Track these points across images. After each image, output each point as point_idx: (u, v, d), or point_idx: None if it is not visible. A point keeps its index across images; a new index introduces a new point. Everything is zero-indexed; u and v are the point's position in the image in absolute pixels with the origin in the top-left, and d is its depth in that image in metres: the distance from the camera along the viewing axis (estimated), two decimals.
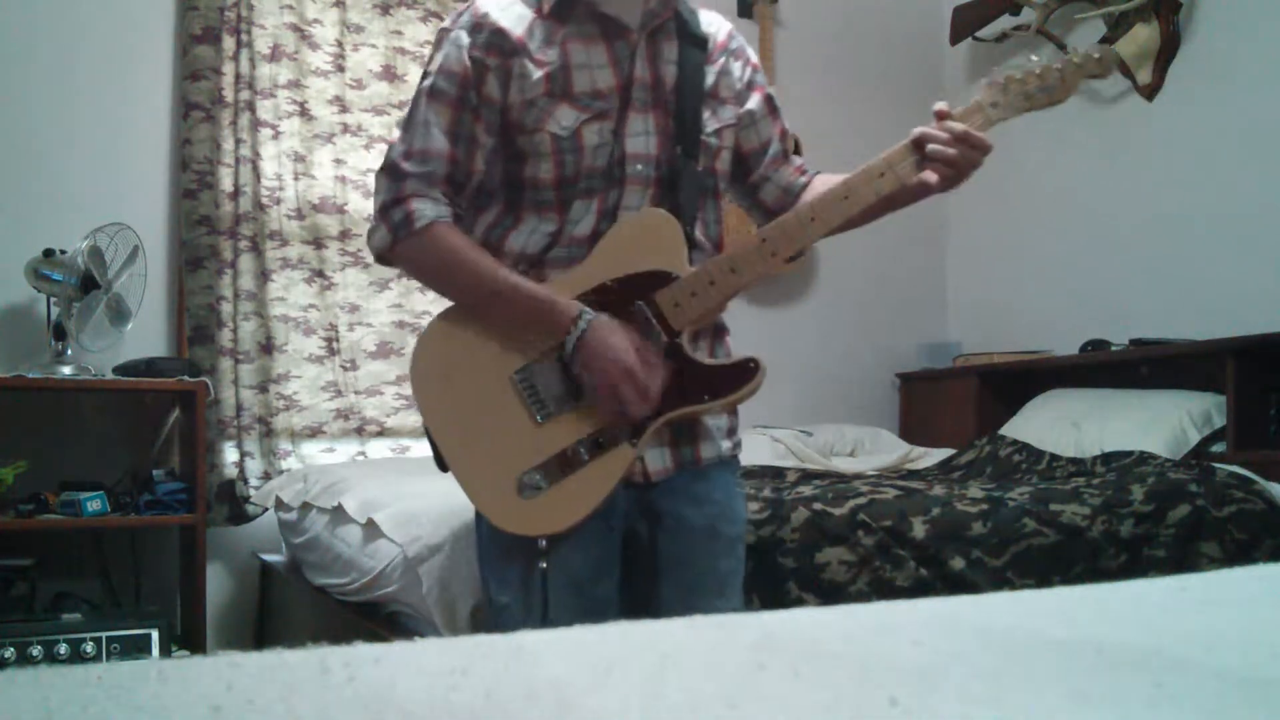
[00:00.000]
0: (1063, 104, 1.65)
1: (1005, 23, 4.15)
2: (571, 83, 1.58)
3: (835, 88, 4.36)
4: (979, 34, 4.22)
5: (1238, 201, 3.49)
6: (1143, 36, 3.74)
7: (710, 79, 1.67)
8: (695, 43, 1.66)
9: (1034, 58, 1.65)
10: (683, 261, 1.59)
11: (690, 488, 1.65)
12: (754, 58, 1.78)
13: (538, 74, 1.57)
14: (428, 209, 1.57)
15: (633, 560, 1.66)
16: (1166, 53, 3.69)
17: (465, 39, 1.59)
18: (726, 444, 1.71)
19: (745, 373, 1.58)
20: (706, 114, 1.66)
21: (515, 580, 1.59)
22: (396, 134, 1.63)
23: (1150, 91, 3.75)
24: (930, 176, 1.61)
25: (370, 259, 3.65)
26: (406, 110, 1.64)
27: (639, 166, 1.59)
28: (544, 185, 1.60)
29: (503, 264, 1.59)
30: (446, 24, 1.65)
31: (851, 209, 1.59)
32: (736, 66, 1.73)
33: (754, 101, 1.75)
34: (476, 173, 1.62)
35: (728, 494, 1.70)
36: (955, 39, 4.27)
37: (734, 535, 1.71)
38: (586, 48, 1.59)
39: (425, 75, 1.63)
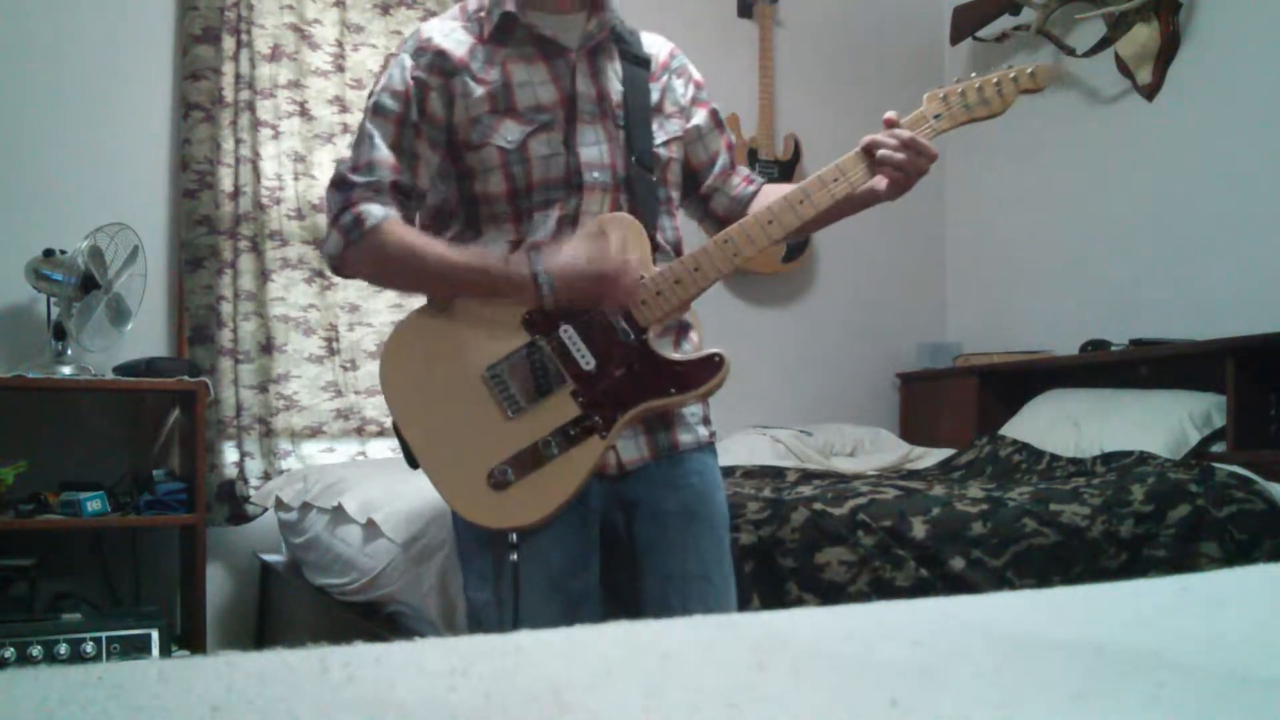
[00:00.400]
0: (1001, 116, 1.73)
1: (1005, 23, 4.15)
2: (514, 98, 1.65)
3: (835, 88, 4.36)
4: (979, 34, 4.22)
5: (1237, 201, 3.49)
6: (1143, 36, 3.74)
7: (655, 95, 1.75)
8: (638, 62, 1.74)
9: (974, 74, 1.74)
10: (647, 262, 1.64)
11: (665, 474, 1.69)
12: (696, 75, 1.85)
13: (480, 91, 1.64)
14: (376, 209, 1.63)
15: (611, 553, 1.68)
16: (1166, 53, 3.69)
17: (409, 61, 1.68)
18: (703, 430, 1.76)
19: (711, 367, 1.63)
20: (654, 127, 1.73)
21: (489, 575, 1.62)
22: (347, 153, 1.70)
23: (1150, 91, 3.75)
24: (880, 182, 1.68)
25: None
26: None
27: (595, 174, 1.65)
28: (496, 199, 1.66)
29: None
30: (394, 49, 1.71)
31: (807, 212, 1.66)
32: (679, 84, 1.81)
33: (700, 117, 1.83)
34: (421, 187, 1.68)
35: (703, 478, 1.72)
36: (955, 39, 4.27)
37: (712, 516, 1.72)
38: (527, 67, 1.67)
39: (370, 95, 1.71)
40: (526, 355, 1.61)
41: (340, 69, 3.59)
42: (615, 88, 1.71)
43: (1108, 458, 3.10)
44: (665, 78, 1.79)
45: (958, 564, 2.33)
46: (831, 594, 2.24)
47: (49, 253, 3.07)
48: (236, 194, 3.40)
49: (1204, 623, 0.84)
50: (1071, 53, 3.95)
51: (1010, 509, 2.45)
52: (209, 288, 3.36)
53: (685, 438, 1.72)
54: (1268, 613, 0.89)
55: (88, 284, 3.04)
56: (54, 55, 3.30)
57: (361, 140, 1.68)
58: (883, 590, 2.26)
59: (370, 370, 3.55)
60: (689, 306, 1.69)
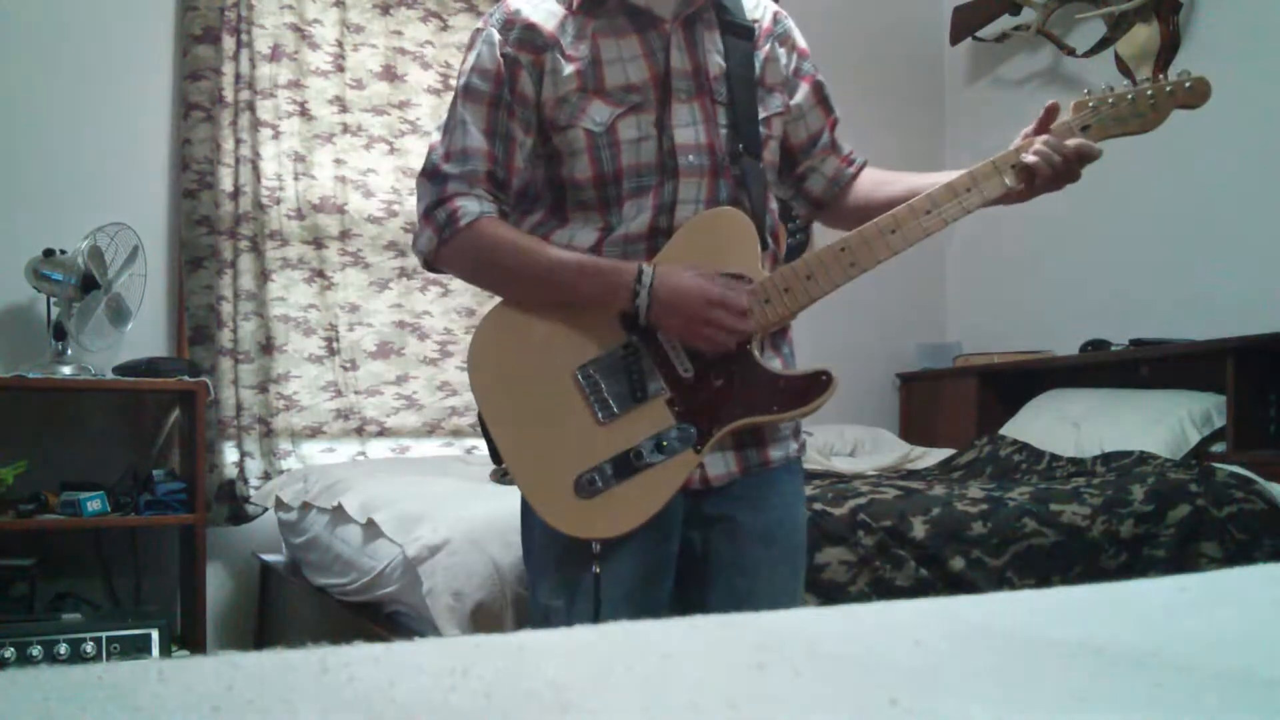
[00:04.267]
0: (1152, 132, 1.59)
1: (1005, 23, 4.15)
2: (603, 78, 1.54)
3: (835, 88, 4.32)
4: (979, 34, 4.22)
5: (1238, 202, 3.49)
6: (1143, 36, 3.74)
7: (757, 67, 1.63)
8: (739, 32, 1.62)
9: (1125, 81, 1.62)
10: (757, 265, 1.55)
11: (750, 493, 1.59)
12: (801, 42, 1.73)
13: (569, 69, 1.54)
14: (472, 205, 1.54)
15: (686, 569, 1.60)
16: (1166, 53, 3.69)
17: (497, 36, 1.57)
18: (794, 445, 1.66)
19: (817, 385, 1.54)
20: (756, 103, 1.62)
21: (567, 583, 1.54)
22: (435, 137, 1.60)
23: None
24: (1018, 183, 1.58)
25: (370, 259, 3.68)
26: (445, 113, 1.61)
27: (690, 157, 1.54)
28: (583, 184, 1.55)
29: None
30: (479, 24, 1.63)
31: (934, 225, 1.56)
32: (783, 53, 1.69)
33: (802, 93, 1.71)
34: (516, 170, 1.58)
35: (788, 500, 1.64)
36: (955, 39, 4.27)
37: (793, 544, 1.64)
38: (618, 41, 1.56)
39: (459, 75, 1.60)
40: (622, 357, 1.52)
41: (340, 69, 3.59)
42: (715, 61, 1.59)
43: (1108, 458, 3.10)
44: (768, 45, 1.67)
45: (958, 564, 2.33)
46: (831, 594, 2.24)
47: (49, 253, 3.07)
48: (236, 194, 3.40)
49: (1204, 623, 0.84)
50: (1072, 53, 3.95)
51: (1010, 509, 2.45)
52: (209, 288, 3.36)
53: (776, 454, 1.61)
54: (1268, 613, 0.89)
55: (88, 284, 3.05)
56: (54, 55, 3.30)
57: (453, 125, 1.57)
58: (883, 590, 2.26)
59: (370, 370, 3.55)
60: (795, 315, 1.59)
